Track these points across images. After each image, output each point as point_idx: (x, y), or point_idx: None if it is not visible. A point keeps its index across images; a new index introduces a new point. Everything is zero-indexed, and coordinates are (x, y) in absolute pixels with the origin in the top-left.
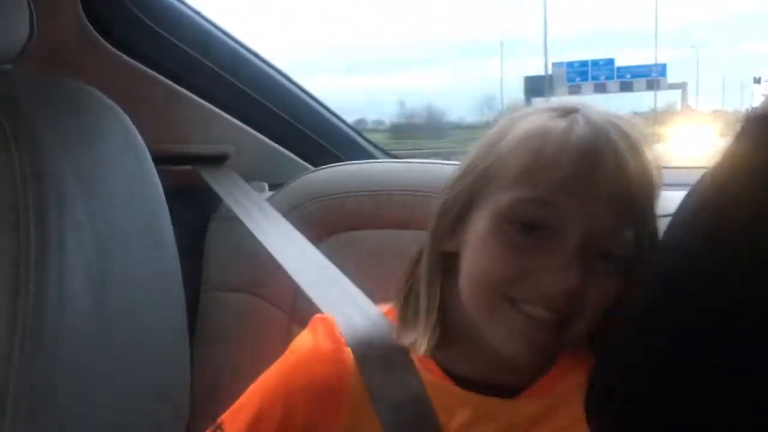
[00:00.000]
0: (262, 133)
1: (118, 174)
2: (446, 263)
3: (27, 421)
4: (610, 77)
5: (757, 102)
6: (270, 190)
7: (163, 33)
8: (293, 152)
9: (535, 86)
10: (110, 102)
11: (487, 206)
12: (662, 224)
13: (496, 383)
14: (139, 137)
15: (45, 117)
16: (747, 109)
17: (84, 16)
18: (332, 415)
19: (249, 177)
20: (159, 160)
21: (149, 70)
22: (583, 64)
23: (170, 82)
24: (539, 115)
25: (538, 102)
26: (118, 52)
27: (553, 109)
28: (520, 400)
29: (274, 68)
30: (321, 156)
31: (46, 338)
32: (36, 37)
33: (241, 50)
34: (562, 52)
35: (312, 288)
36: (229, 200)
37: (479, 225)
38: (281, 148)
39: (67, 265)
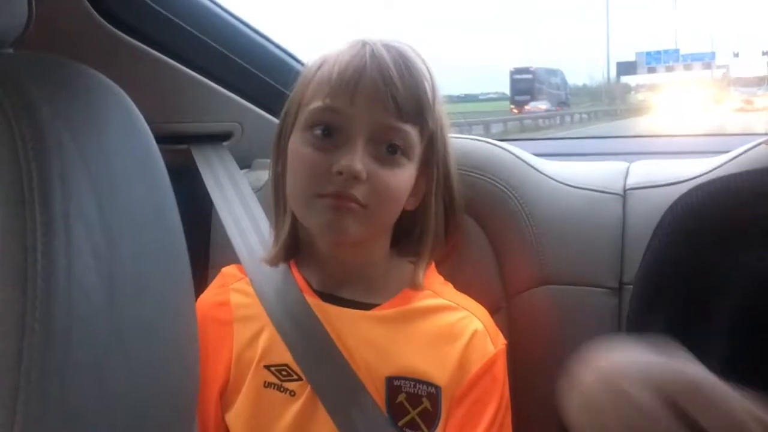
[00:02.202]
0: (266, 111)
1: (122, 154)
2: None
3: (38, 404)
4: (676, 61)
5: (735, 73)
6: None
7: (162, 11)
8: None
9: (624, 68)
10: (111, 83)
11: (297, 125)
12: (656, 193)
13: (356, 300)
14: (142, 117)
15: (47, 98)
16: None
17: None
18: (225, 337)
19: (254, 155)
20: (161, 139)
21: (150, 49)
22: (657, 52)
23: (171, 61)
24: (332, 49)
25: (627, 78)
26: (117, 31)
27: (347, 43)
28: (370, 313)
29: (276, 45)
30: None
31: (56, 320)
32: (35, 20)
33: (242, 27)
34: None
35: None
36: (208, 180)
37: (294, 140)
38: None
39: (74, 248)
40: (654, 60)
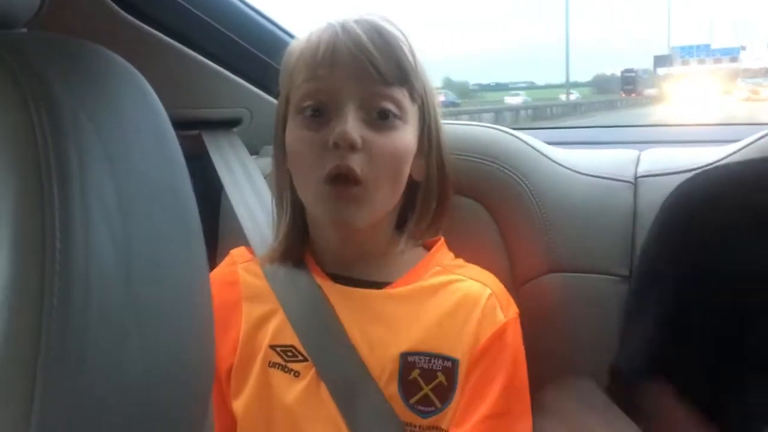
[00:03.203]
0: (275, 98)
1: (137, 134)
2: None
3: (57, 375)
4: (707, 55)
5: (743, 65)
6: None
7: None
8: None
9: (660, 61)
10: (126, 62)
11: (289, 114)
12: (667, 181)
13: (368, 279)
14: (156, 97)
15: (63, 77)
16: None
17: None
18: (233, 317)
19: (264, 141)
20: (173, 124)
21: (160, 34)
22: (690, 47)
23: (182, 46)
24: (308, 31)
25: (663, 71)
26: (128, 16)
27: (321, 23)
28: (383, 291)
29: (286, 31)
30: None
31: (74, 296)
32: (48, 3)
33: (252, 13)
34: None
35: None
36: (219, 165)
37: (288, 129)
38: None
39: (91, 228)
40: (687, 54)
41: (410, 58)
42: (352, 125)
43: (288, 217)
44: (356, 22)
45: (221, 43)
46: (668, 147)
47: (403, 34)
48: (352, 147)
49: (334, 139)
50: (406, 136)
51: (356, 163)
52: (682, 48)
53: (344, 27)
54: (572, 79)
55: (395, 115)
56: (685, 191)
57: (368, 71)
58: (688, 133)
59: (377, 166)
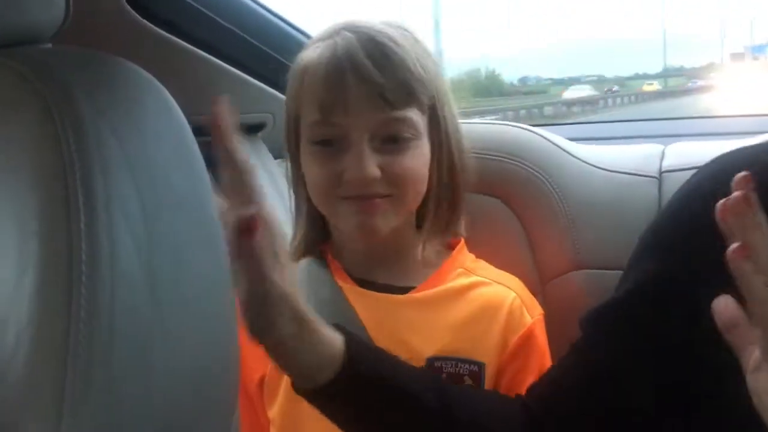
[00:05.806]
0: None
1: (159, 145)
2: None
3: (84, 389)
4: None
5: None
6: None
7: (194, 3)
8: None
9: (735, 57)
10: (148, 75)
11: (302, 136)
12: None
13: (392, 284)
14: (178, 108)
15: (87, 91)
16: None
17: None
18: None
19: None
20: (197, 131)
21: (183, 42)
22: (760, 46)
23: (204, 53)
24: (310, 47)
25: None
26: (151, 24)
27: (320, 36)
28: (407, 296)
29: (307, 35)
30: None
31: (101, 304)
32: (72, 16)
33: (272, 18)
34: None
35: None
36: None
37: (303, 151)
38: None
39: (116, 238)
40: (757, 51)
41: (418, 70)
42: (367, 161)
43: (304, 223)
44: (358, 39)
45: (243, 49)
46: (694, 140)
47: (409, 41)
48: (372, 179)
49: (350, 179)
50: (423, 149)
51: (379, 187)
52: (753, 47)
53: (349, 53)
54: (641, 71)
55: (407, 137)
56: (707, 170)
57: (377, 102)
58: (716, 124)
59: (399, 184)
